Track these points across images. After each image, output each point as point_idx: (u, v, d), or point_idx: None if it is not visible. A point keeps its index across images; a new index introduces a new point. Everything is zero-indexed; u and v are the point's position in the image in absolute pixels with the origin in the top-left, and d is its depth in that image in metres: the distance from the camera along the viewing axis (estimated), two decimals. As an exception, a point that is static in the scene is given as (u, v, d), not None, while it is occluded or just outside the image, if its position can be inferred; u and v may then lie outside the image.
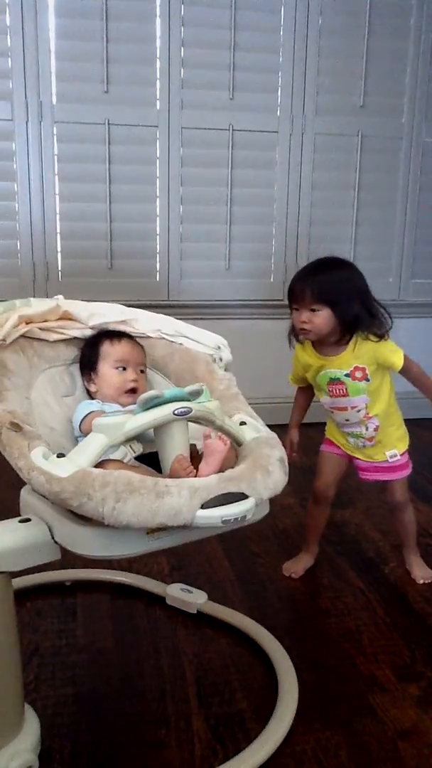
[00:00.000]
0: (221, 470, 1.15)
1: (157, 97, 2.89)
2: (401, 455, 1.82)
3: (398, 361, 1.72)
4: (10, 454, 1.16)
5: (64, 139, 2.84)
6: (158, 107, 2.89)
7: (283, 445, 1.27)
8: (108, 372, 1.42)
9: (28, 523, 1.16)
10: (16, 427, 1.18)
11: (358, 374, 1.70)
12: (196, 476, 1.13)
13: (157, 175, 2.95)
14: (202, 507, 1.04)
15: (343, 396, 1.73)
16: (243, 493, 1.09)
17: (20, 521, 1.16)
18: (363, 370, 1.70)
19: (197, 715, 1.37)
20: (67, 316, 1.50)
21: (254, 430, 1.29)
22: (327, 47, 2.98)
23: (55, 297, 1.51)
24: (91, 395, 1.45)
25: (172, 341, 1.53)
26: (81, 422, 1.33)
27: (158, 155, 2.93)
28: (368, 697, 1.43)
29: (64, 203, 2.90)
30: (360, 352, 1.69)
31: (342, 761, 1.26)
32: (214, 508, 1.05)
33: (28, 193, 2.85)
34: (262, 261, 3.13)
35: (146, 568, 1.89)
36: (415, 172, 3.17)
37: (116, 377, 1.42)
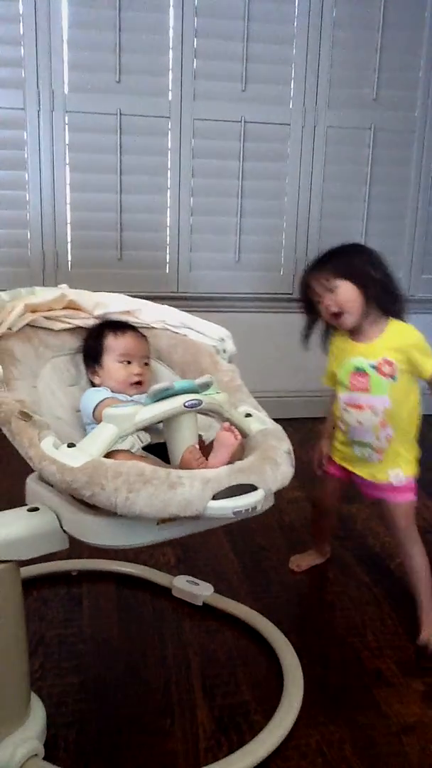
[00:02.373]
0: (230, 462, 1.15)
1: (170, 87, 2.87)
2: (406, 478, 1.64)
3: (429, 369, 1.58)
4: (20, 443, 1.16)
5: (76, 128, 2.84)
6: (170, 98, 2.88)
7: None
8: (112, 366, 1.42)
9: (36, 512, 1.16)
10: (25, 416, 1.18)
11: (386, 368, 1.56)
12: (206, 467, 1.14)
13: (168, 166, 2.94)
14: (214, 498, 1.05)
15: (364, 390, 1.59)
16: (253, 485, 1.10)
17: (28, 510, 1.16)
18: (391, 364, 1.56)
19: (202, 706, 1.37)
20: (72, 306, 1.49)
21: (260, 422, 1.30)
22: (340, 39, 2.96)
23: (60, 286, 1.51)
24: (94, 386, 1.45)
25: (176, 332, 1.53)
26: (94, 409, 1.33)
27: (170, 146, 2.92)
28: (373, 691, 1.43)
29: (75, 193, 2.89)
30: (394, 341, 1.57)
31: (346, 755, 1.26)
32: (225, 500, 1.05)
33: (38, 183, 2.85)
34: (272, 254, 3.12)
35: (152, 560, 1.89)
36: (428, 166, 3.15)
37: (121, 371, 1.42)
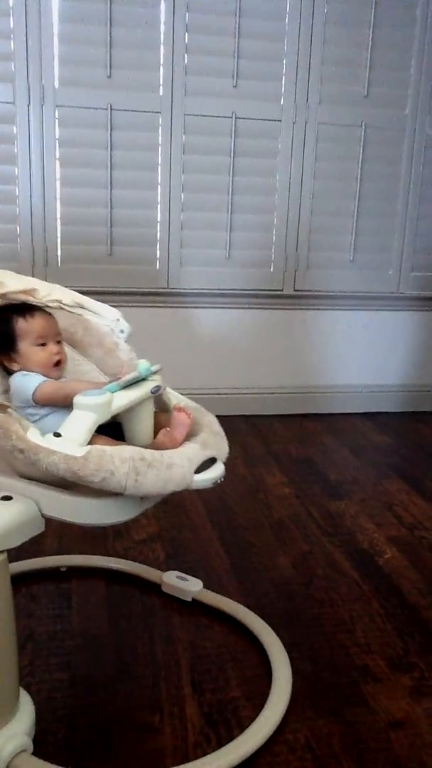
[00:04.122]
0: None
1: (161, 83, 2.87)
2: None
3: None
4: (7, 436, 1.16)
5: (66, 123, 2.83)
6: (161, 93, 2.87)
7: None
8: (30, 350, 1.38)
9: (11, 501, 1.17)
10: (2, 408, 1.19)
11: None
12: (171, 440, 1.26)
13: (159, 161, 2.93)
14: (195, 472, 1.19)
15: None
16: (214, 458, 1.25)
17: (2, 498, 1.18)
18: None
19: (191, 701, 1.37)
20: None
21: (174, 398, 1.42)
22: (332, 36, 2.96)
23: None
24: (10, 373, 1.40)
25: (71, 311, 1.53)
26: (34, 393, 1.31)
27: (160, 142, 2.92)
28: (361, 687, 1.44)
29: (65, 188, 2.88)
30: None
31: (334, 750, 1.27)
32: (204, 472, 1.21)
33: (28, 178, 2.84)
34: (263, 250, 3.12)
35: (142, 556, 1.89)
36: (418, 164, 3.16)
37: (40, 354, 1.38)
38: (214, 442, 1.29)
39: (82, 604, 1.69)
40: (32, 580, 1.76)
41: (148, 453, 1.17)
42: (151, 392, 1.28)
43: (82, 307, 1.54)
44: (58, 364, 1.40)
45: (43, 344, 1.40)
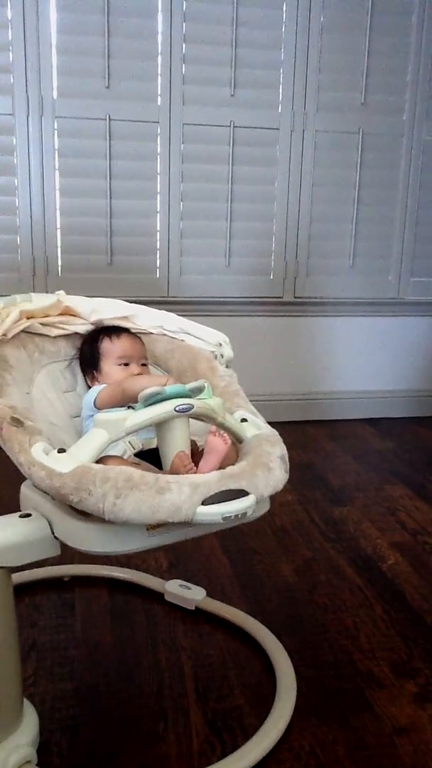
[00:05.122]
0: (222, 467, 1.15)
1: (159, 92, 2.88)
2: None
3: None
4: (11, 449, 1.16)
5: (65, 134, 2.84)
6: (159, 103, 2.89)
7: None
8: (111, 370, 1.42)
9: (28, 518, 1.16)
10: (17, 422, 1.18)
11: None
12: (195, 473, 1.14)
13: (158, 171, 2.94)
14: (203, 503, 1.05)
15: None
16: (243, 490, 1.09)
17: (21, 516, 1.16)
18: None
19: (195, 709, 1.37)
20: (68, 312, 1.50)
21: (255, 427, 1.30)
22: (329, 44, 2.98)
23: (57, 292, 1.51)
24: None
25: (174, 337, 1.53)
26: (95, 399, 1.33)
27: (159, 151, 2.93)
28: (365, 693, 1.43)
29: (65, 198, 2.90)
30: None
31: (339, 757, 1.26)
32: (214, 505, 1.05)
33: (28, 188, 2.85)
34: (263, 258, 3.13)
35: (144, 564, 1.89)
36: (416, 170, 3.17)
37: (120, 373, 1.41)
38: (250, 473, 1.13)
39: (85, 613, 1.69)
40: (35, 590, 1.76)
41: (139, 474, 1.06)
42: (175, 410, 1.14)
43: (187, 333, 1.52)
44: None
45: (126, 365, 1.42)
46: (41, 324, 1.44)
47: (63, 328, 1.48)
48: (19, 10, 2.70)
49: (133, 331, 1.51)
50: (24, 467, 1.13)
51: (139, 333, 1.52)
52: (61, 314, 1.48)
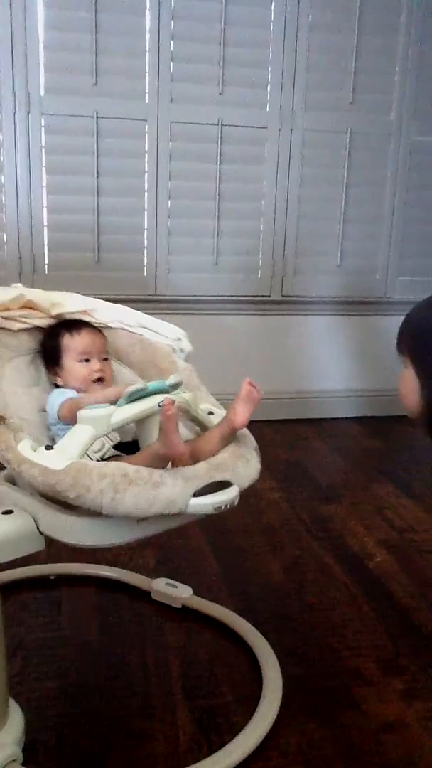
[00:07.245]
0: (222, 443, 1.22)
1: (147, 90, 2.87)
2: None
3: None
4: None
5: (52, 131, 2.83)
6: (147, 101, 2.88)
7: None
8: (72, 365, 1.41)
9: (11, 515, 1.15)
10: (0, 419, 1.18)
11: None
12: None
13: (146, 169, 2.94)
14: (194, 495, 1.08)
15: None
16: (228, 481, 1.14)
17: (2, 513, 1.16)
18: None
19: (182, 707, 1.37)
20: (29, 305, 1.48)
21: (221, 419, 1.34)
22: (317, 43, 2.98)
23: (15, 285, 1.49)
24: (57, 387, 1.43)
25: (133, 332, 1.53)
26: (59, 410, 1.32)
27: (147, 149, 2.92)
28: (352, 690, 1.44)
29: (52, 196, 2.88)
30: None
31: (326, 754, 1.26)
32: (205, 496, 1.09)
33: (15, 185, 2.83)
34: (250, 256, 3.13)
35: (132, 563, 1.88)
36: (404, 169, 3.18)
37: (81, 370, 1.41)
38: (232, 464, 1.18)
39: (72, 612, 1.68)
40: (22, 588, 1.75)
41: (133, 469, 1.08)
42: (159, 405, 1.19)
43: (145, 327, 1.52)
44: (99, 381, 1.41)
45: (87, 360, 1.41)
46: (2, 317, 1.42)
47: (24, 322, 1.46)
48: (6, 6, 2.68)
49: (94, 324, 1.50)
50: (12, 465, 1.13)
51: (100, 327, 1.51)
52: (22, 308, 1.46)
